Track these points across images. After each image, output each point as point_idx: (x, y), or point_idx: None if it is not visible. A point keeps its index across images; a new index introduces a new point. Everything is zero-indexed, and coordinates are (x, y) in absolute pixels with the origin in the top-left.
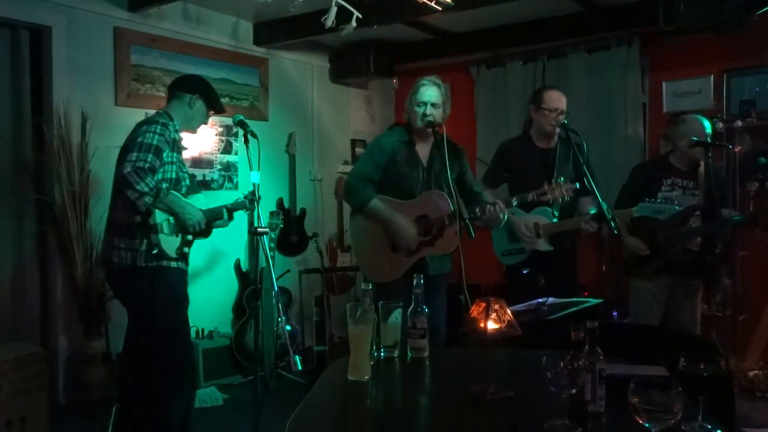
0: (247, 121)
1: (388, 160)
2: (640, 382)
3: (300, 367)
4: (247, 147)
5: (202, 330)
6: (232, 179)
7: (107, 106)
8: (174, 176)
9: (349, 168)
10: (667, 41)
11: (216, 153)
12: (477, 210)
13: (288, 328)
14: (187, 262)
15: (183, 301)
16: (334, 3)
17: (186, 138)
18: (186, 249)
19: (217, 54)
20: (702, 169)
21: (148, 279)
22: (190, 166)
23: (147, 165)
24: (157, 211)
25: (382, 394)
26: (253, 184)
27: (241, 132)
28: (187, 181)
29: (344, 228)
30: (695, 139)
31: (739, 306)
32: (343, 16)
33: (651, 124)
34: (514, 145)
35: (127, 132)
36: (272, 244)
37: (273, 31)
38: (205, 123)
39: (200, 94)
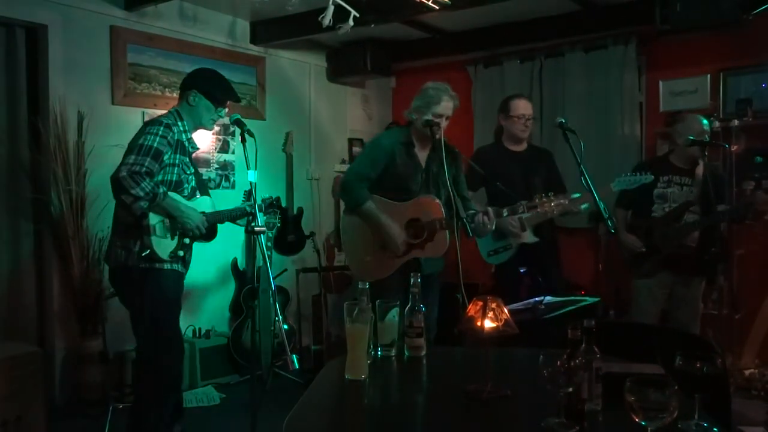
0: (244, 120)
1: (388, 160)
2: (636, 381)
3: (297, 366)
4: (244, 146)
5: (199, 329)
6: (229, 178)
7: (104, 105)
8: (175, 179)
9: (346, 167)
10: (663, 40)
11: (213, 152)
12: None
13: (285, 327)
14: (185, 265)
15: (173, 305)
16: (331, 2)
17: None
18: (181, 252)
19: (214, 53)
20: (700, 168)
21: (138, 279)
22: None
23: (144, 169)
24: (152, 213)
25: (379, 392)
26: (251, 183)
27: (238, 131)
28: (193, 183)
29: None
30: (692, 138)
31: (736, 305)
32: (341, 14)
33: (648, 123)
34: (488, 152)
35: (124, 131)
36: (269, 243)
37: (270, 30)
38: (217, 117)
39: (198, 89)
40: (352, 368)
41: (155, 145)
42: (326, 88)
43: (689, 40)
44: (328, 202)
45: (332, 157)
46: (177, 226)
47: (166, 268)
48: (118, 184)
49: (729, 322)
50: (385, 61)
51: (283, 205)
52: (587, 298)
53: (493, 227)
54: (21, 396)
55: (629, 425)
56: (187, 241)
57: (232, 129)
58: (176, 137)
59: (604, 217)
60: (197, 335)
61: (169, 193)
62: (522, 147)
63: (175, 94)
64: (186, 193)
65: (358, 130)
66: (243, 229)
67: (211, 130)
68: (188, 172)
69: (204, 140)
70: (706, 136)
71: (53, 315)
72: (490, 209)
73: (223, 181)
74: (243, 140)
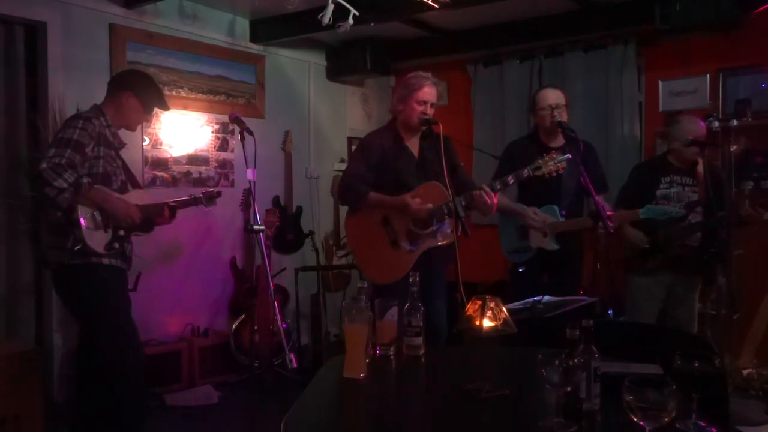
0: (244, 119)
1: (380, 157)
2: (634, 380)
3: (296, 365)
4: (243, 145)
5: (198, 328)
6: (228, 177)
7: None
8: (101, 171)
9: (345, 166)
10: (663, 40)
11: (212, 150)
12: (464, 200)
13: (284, 325)
14: (125, 260)
15: (119, 298)
16: (330, 0)
17: (179, 135)
18: (116, 244)
19: (214, 51)
20: (700, 167)
21: (77, 277)
22: (186, 164)
23: (64, 160)
24: (80, 206)
25: (378, 391)
26: (250, 182)
27: (237, 129)
28: (122, 176)
29: (341, 227)
30: (691, 138)
31: (734, 304)
32: (340, 13)
33: (647, 123)
34: (522, 144)
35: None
36: (268, 242)
37: (270, 29)
38: (146, 120)
39: (133, 92)
40: (351, 367)
41: (75, 137)
42: (326, 86)
43: (689, 40)
44: (328, 201)
45: (331, 155)
46: (108, 217)
47: (105, 263)
48: (40, 177)
49: (727, 321)
50: (385, 60)
51: (282, 203)
52: (586, 297)
53: (494, 201)
54: (20, 394)
55: (627, 425)
56: (121, 232)
57: (231, 127)
58: (98, 130)
59: (603, 217)
60: (196, 334)
61: (96, 185)
62: (559, 141)
63: (175, 93)
64: (115, 187)
65: (358, 129)
66: (242, 228)
67: (133, 131)
68: (114, 165)
69: (203, 139)
70: (703, 137)
71: (52, 313)
72: (484, 185)
73: (222, 180)
74: (242, 138)
